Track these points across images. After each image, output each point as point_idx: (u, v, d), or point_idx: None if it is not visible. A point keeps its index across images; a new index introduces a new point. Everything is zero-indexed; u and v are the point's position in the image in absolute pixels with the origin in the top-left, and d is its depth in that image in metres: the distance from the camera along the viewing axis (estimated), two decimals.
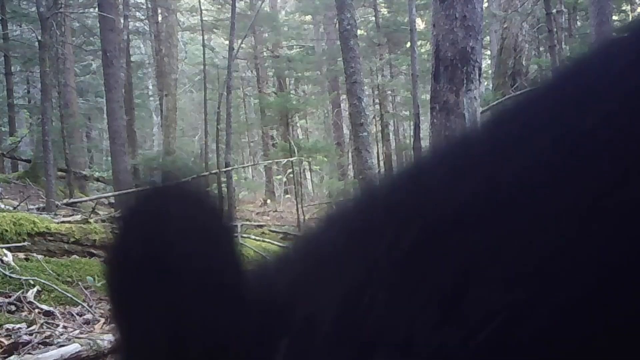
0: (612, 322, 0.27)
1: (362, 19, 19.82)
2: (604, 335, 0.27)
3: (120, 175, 8.70)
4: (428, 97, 6.14)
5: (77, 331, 2.05)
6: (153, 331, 0.33)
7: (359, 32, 8.70)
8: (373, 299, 0.30)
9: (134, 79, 17.44)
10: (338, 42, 5.14)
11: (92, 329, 2.12)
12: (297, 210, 11.54)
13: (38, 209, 7.39)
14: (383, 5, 19.76)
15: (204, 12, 16.68)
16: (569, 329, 0.27)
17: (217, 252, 0.38)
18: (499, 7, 13.74)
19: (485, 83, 16.98)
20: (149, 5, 17.57)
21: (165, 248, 0.34)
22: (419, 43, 14.92)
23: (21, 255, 2.85)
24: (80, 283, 2.76)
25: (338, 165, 18.74)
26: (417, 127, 8.56)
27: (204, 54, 15.16)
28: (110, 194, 9.91)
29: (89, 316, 2.31)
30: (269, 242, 4.32)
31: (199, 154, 23.84)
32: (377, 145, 19.37)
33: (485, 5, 14.43)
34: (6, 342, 1.83)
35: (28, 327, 2.04)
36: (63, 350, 1.70)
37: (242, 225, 4.67)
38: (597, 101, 0.30)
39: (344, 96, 15.48)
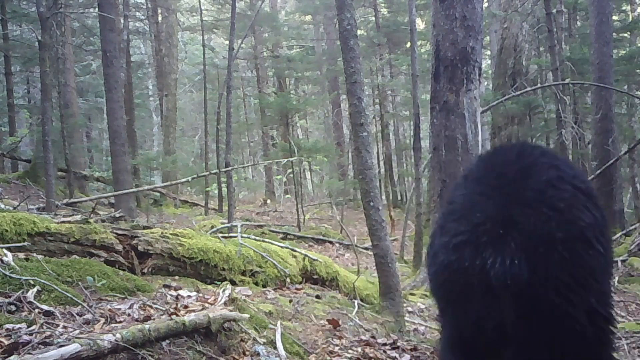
0: None
1: (362, 19, 19.82)
2: None
3: (120, 175, 8.69)
4: (428, 97, 6.14)
5: (77, 331, 2.05)
6: None
7: (359, 32, 8.70)
8: None
9: (134, 79, 17.43)
10: (338, 42, 5.14)
11: (92, 329, 2.12)
12: (297, 210, 11.54)
13: (38, 209, 7.39)
14: (383, 5, 19.75)
15: (204, 12, 16.68)
16: None
17: None
18: (499, 7, 13.73)
19: (485, 83, 16.98)
20: (149, 5, 17.57)
21: None
22: (419, 43, 14.92)
23: (21, 255, 2.84)
24: (80, 283, 2.76)
25: (338, 165, 18.73)
26: (417, 127, 8.57)
27: (204, 54, 15.16)
28: (110, 194, 9.91)
29: (89, 316, 2.31)
30: (268, 242, 4.31)
31: (199, 154, 23.85)
32: (377, 145, 19.37)
33: (485, 5, 14.43)
34: (6, 342, 1.83)
35: (28, 327, 2.03)
36: (63, 350, 1.70)
37: (242, 225, 4.67)
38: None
39: (344, 96, 15.47)
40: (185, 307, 2.57)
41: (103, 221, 4.59)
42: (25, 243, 2.98)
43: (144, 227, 3.74)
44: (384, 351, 2.93)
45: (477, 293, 1.30)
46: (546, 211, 1.32)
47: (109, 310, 2.44)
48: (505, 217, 1.32)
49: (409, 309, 4.29)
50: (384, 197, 17.37)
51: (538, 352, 1.30)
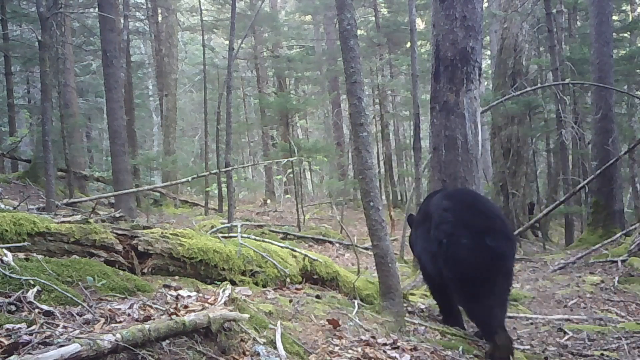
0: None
1: (362, 19, 19.82)
2: None
3: (120, 175, 8.69)
4: (428, 97, 6.14)
5: (77, 331, 2.05)
6: None
7: (359, 32, 8.69)
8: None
9: (134, 79, 17.43)
10: (338, 42, 5.14)
11: (92, 329, 2.12)
12: (297, 210, 11.55)
13: (38, 209, 7.39)
14: (383, 5, 19.74)
15: (204, 12, 16.68)
16: None
17: None
18: (499, 7, 13.73)
19: (485, 83, 16.97)
20: (149, 5, 17.57)
21: None
22: (419, 43, 14.92)
23: (21, 255, 2.84)
24: (80, 283, 2.76)
25: (338, 165, 18.73)
26: (417, 127, 8.56)
27: (204, 54, 15.16)
28: (110, 194, 9.91)
29: (89, 316, 2.31)
30: (268, 242, 4.31)
31: (199, 154, 23.84)
32: (377, 145, 19.37)
33: (485, 5, 14.43)
34: (6, 342, 1.83)
35: (28, 327, 2.03)
36: (63, 350, 1.70)
37: (242, 225, 4.66)
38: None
39: (344, 96, 15.47)
40: (185, 307, 2.57)
41: (103, 221, 4.59)
42: (25, 243, 2.98)
43: (144, 227, 3.74)
44: (384, 351, 2.93)
45: (485, 256, 3.39)
46: (500, 221, 3.60)
47: (109, 310, 2.44)
48: (488, 225, 3.50)
49: (409, 309, 4.29)
50: (384, 197, 17.37)
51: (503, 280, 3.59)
